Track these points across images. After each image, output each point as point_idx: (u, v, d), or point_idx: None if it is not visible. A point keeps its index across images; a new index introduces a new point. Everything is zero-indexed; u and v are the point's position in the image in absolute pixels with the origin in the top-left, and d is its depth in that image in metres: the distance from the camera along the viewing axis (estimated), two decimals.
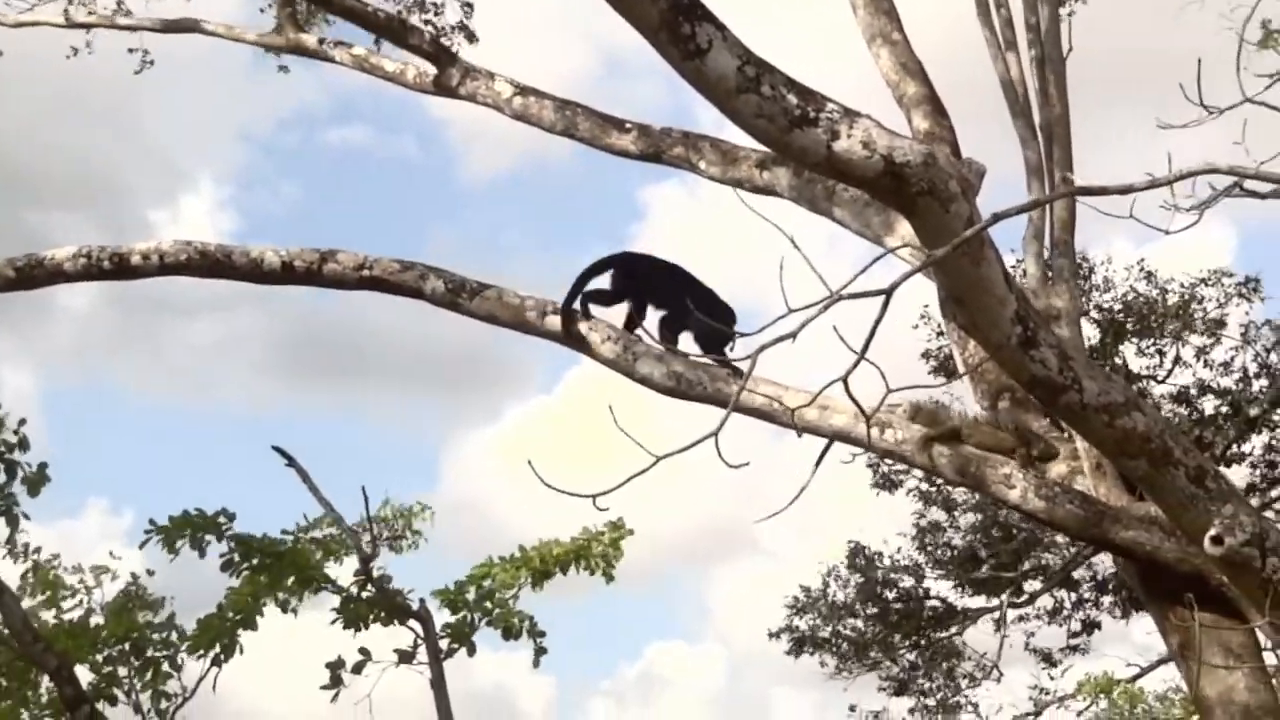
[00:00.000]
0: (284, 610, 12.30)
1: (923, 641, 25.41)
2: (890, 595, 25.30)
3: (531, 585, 12.17)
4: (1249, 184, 6.48)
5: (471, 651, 12.11)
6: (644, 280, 9.96)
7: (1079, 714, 24.87)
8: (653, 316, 9.92)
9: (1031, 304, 7.33)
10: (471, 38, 16.42)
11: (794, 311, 5.28)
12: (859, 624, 25.56)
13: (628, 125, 11.88)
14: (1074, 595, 25.17)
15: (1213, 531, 7.18)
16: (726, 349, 9.10)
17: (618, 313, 9.90)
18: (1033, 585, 24.64)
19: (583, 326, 9.96)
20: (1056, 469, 10.04)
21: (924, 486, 24.48)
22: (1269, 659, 10.28)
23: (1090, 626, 25.18)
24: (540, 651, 12.15)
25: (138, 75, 17.64)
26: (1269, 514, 21.77)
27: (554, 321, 10.03)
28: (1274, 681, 9.92)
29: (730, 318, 9.59)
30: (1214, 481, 7.37)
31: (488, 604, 12.08)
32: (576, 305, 9.88)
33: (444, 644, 12.08)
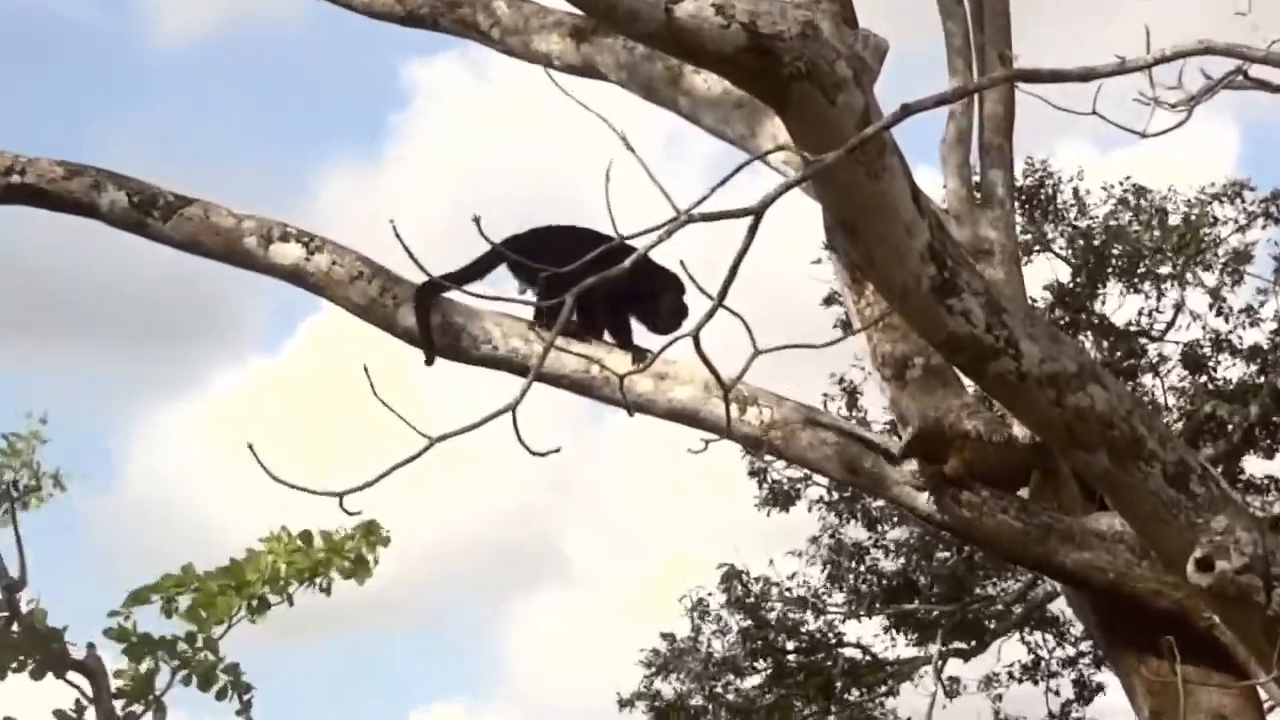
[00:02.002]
0: None
1: (833, 707, 25.36)
2: (790, 644, 25.28)
3: (249, 614, 12.02)
4: (1256, 70, 6.61)
5: (160, 715, 11.99)
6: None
7: None
8: None
9: (950, 234, 7.41)
10: None
11: (625, 239, 5.28)
12: (747, 684, 25.51)
13: None
14: (1055, 641, 25.09)
15: (1199, 553, 7.30)
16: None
17: None
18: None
19: (325, 258, 9.97)
20: None
21: (834, 495, 24.30)
22: None
23: (1087, 689, 25.10)
24: (244, 711, 12.04)
25: None
26: None
27: (282, 251, 10.01)
28: None
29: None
30: (1202, 483, 7.47)
31: (183, 646, 11.95)
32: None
33: (119, 706, 11.97)
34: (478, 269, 9.80)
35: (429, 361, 9.85)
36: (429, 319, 9.79)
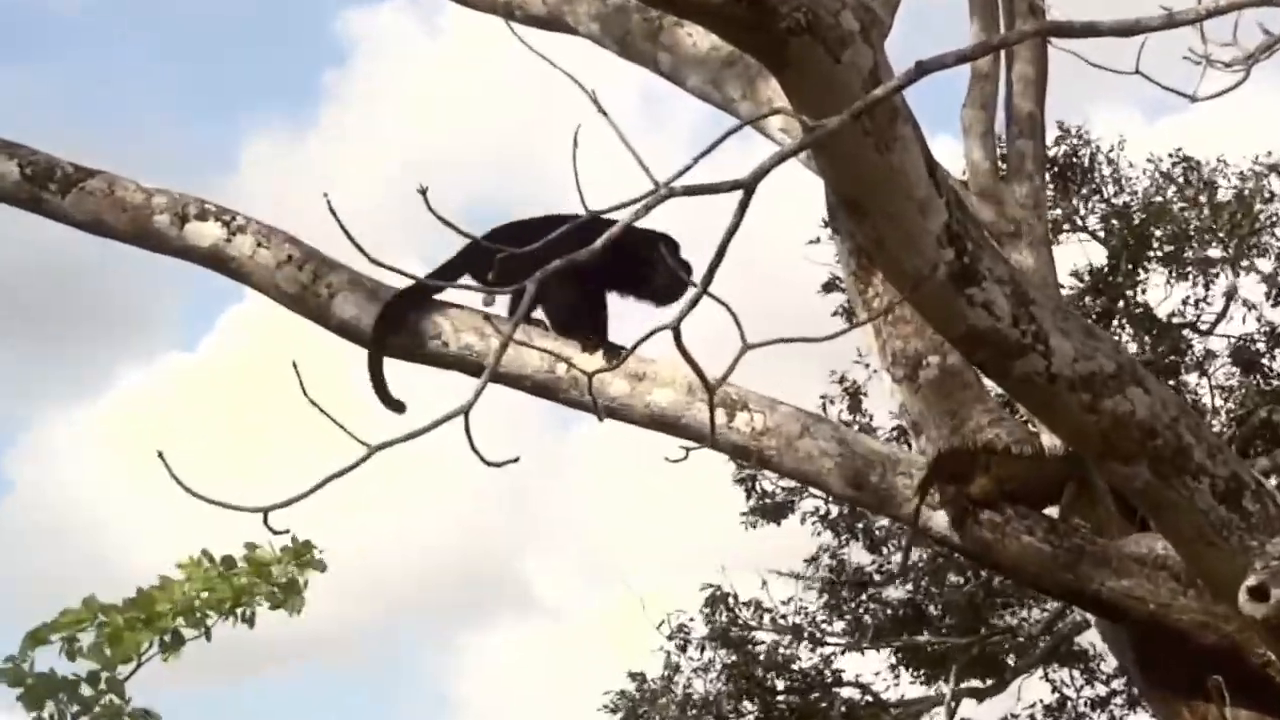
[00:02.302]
0: None
1: None
2: (781, 682, 25.26)
3: (162, 652, 12.04)
4: None
5: None
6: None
7: None
8: None
9: (972, 214, 7.43)
10: None
11: (596, 214, 5.28)
12: None
13: None
14: (1084, 679, 25.11)
15: (1253, 580, 7.29)
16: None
17: None
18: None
19: (248, 239, 9.98)
20: None
21: (831, 509, 24.22)
22: None
23: None
24: None
25: None
26: None
27: (199, 231, 10.02)
28: None
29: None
30: (1257, 501, 7.54)
31: (86, 688, 11.99)
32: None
33: None
34: (456, 268, 9.83)
35: (393, 408, 9.86)
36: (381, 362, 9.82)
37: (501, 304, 9.54)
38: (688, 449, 9.84)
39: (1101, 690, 25.01)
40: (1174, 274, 22.47)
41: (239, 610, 11.99)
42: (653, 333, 5.34)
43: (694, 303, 5.23)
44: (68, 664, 12.26)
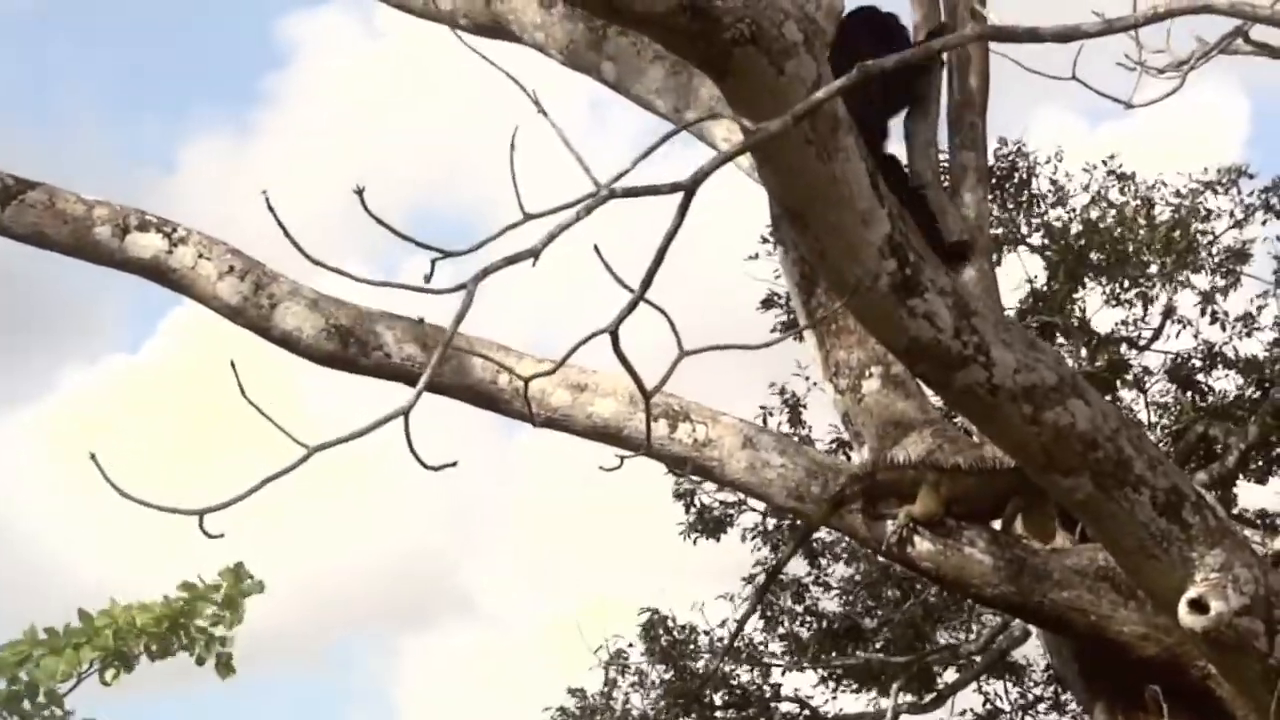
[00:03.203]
0: None
1: None
2: (719, 697, 25.25)
3: (102, 676, 12.02)
4: (1259, 32, 6.63)
5: None
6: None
7: None
8: None
9: (914, 226, 7.43)
10: None
11: (535, 217, 5.22)
12: None
13: None
14: (1017, 692, 25.20)
15: (1193, 593, 7.39)
16: None
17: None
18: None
19: (189, 250, 9.97)
20: None
21: (769, 523, 24.21)
22: None
23: None
24: None
25: None
26: None
27: (140, 243, 10.00)
28: None
29: None
30: (1196, 513, 7.53)
31: (28, 705, 11.97)
32: None
33: None
34: None
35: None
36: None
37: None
38: (623, 457, 9.81)
39: (1031, 694, 25.08)
40: (1112, 294, 22.54)
41: (180, 634, 12.00)
42: (590, 337, 5.30)
43: (631, 307, 5.20)
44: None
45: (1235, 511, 21.55)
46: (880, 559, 10.38)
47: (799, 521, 11.22)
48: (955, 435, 9.92)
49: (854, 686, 24.85)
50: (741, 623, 22.96)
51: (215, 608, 12.04)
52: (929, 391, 9.83)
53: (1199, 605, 7.34)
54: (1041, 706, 24.97)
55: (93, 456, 4.97)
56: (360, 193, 5.01)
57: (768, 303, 22.86)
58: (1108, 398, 19.26)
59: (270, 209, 5.06)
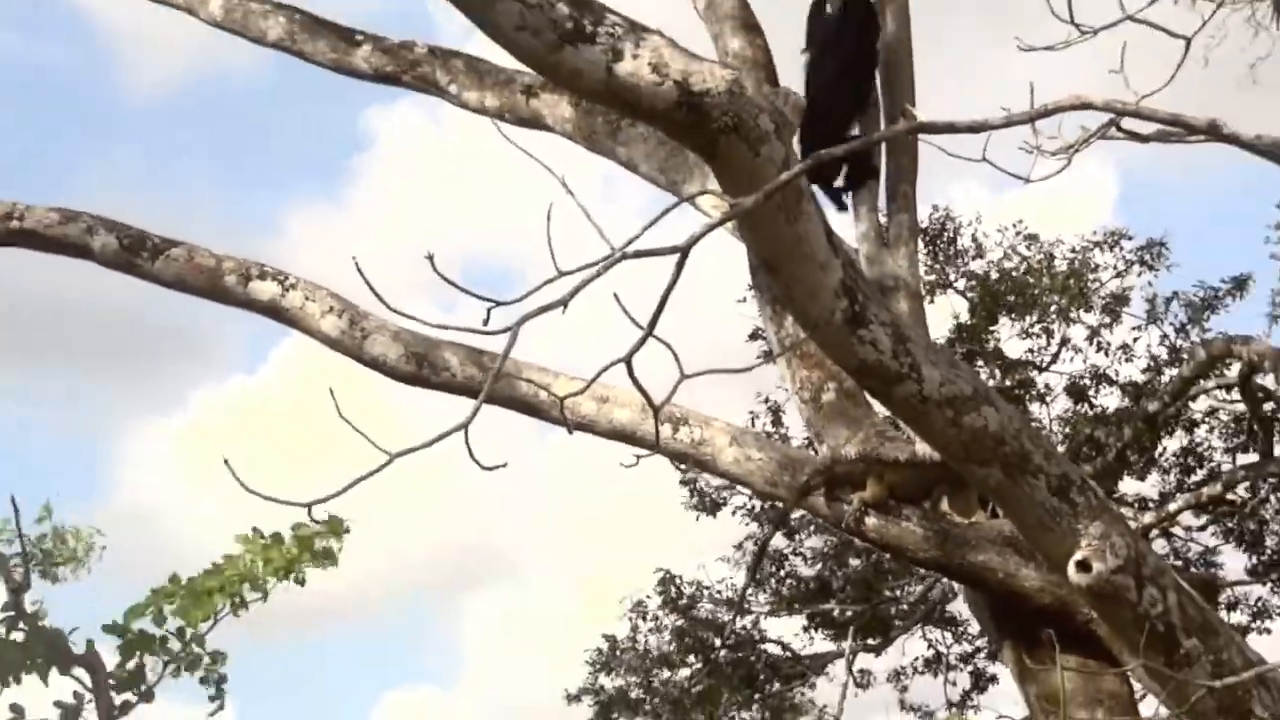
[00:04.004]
0: None
1: (757, 696, 25.27)
2: (718, 641, 25.15)
3: (232, 610, 11.96)
4: (1128, 123, 6.63)
5: (148, 698, 11.95)
6: None
7: None
8: None
9: (861, 272, 7.43)
10: None
11: (566, 274, 5.24)
12: (680, 677, 25.41)
13: (359, 37, 11.78)
14: (954, 638, 25.07)
15: (1079, 556, 7.32)
16: None
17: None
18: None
19: (298, 294, 9.98)
20: None
21: (755, 504, 24.18)
22: (1144, 711, 10.61)
23: (982, 680, 25.10)
24: (218, 696, 12.00)
25: None
26: (1176, 531, 22.30)
27: (259, 289, 10.01)
28: None
29: None
30: (1081, 494, 7.47)
31: (173, 642, 11.89)
32: None
33: (116, 698, 11.90)
34: None
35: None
36: None
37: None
38: (639, 455, 9.86)
39: (968, 647, 24.94)
40: (1021, 328, 22.54)
41: (291, 575, 11.95)
42: (610, 365, 5.34)
43: (642, 341, 5.24)
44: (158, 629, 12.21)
45: (1117, 496, 21.55)
46: (839, 529, 10.32)
47: (778, 504, 11.21)
48: (894, 436, 9.91)
49: (825, 632, 24.81)
50: (744, 591, 22.97)
51: (317, 553, 12.00)
52: (874, 401, 9.81)
53: (1084, 566, 7.29)
54: (980, 655, 24.85)
55: (225, 461, 5.01)
56: (430, 258, 5.06)
57: (754, 335, 22.81)
58: (1019, 409, 19.30)
59: (358, 269, 5.12)
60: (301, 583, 11.82)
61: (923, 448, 9.38)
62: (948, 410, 7.23)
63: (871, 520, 9.78)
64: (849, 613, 24.01)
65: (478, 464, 5.25)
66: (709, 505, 24.30)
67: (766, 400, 23.38)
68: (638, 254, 5.29)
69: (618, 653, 25.62)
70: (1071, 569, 7.33)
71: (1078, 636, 9.53)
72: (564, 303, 5.18)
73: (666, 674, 25.49)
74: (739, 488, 22.68)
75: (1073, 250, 22.43)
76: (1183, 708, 7.73)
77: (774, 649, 25.23)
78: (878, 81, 11.37)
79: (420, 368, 9.89)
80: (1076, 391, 22.41)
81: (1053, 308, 22.33)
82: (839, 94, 11.04)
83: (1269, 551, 22.20)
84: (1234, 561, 22.49)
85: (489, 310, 5.22)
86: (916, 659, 25.13)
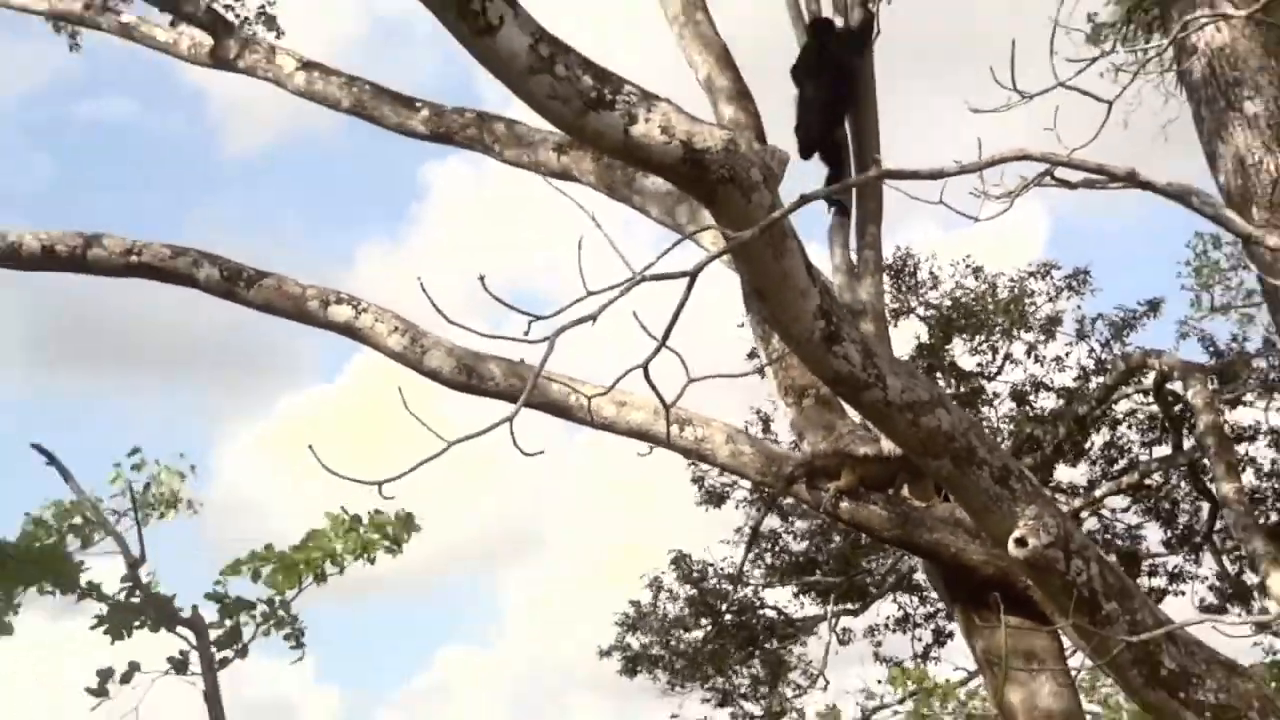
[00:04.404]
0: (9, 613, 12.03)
1: (757, 652, 25.36)
2: (723, 607, 25.21)
3: (315, 580, 12.05)
4: (1060, 172, 6.63)
5: (243, 654, 12.03)
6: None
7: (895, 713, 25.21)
8: None
9: (835, 298, 7.44)
10: (273, 25, 15.92)
11: (593, 294, 5.26)
12: (693, 637, 25.50)
13: (418, 104, 11.82)
14: (919, 602, 25.12)
15: (1017, 533, 7.31)
16: None
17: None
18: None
19: (368, 316, 10.03)
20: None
21: (753, 497, 24.23)
22: (1073, 664, 10.62)
23: (942, 636, 25.20)
24: (298, 647, 12.09)
25: None
26: (1105, 512, 22.30)
27: (337, 312, 10.06)
28: (1078, 686, 10.23)
29: None
30: (1019, 482, 7.48)
31: (264, 606, 11.98)
32: None
33: (216, 653, 11.97)
34: None
35: None
36: None
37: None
38: (652, 447, 9.88)
39: (930, 609, 24.94)
40: (971, 346, 22.57)
41: (365, 555, 11.99)
42: (629, 371, 5.39)
43: (656, 351, 5.28)
44: (251, 590, 12.21)
45: (1053, 483, 21.56)
46: (818, 513, 10.35)
47: (768, 492, 11.24)
48: (863, 434, 9.93)
49: (815, 600, 24.86)
50: (742, 564, 22.95)
51: (388, 540, 12.08)
52: (846, 406, 9.84)
53: (1021, 542, 7.27)
54: (940, 615, 24.87)
55: (310, 447, 5.07)
56: (482, 278, 5.11)
57: (751, 354, 22.84)
58: (969, 412, 19.32)
59: (423, 288, 5.19)
60: (372, 561, 11.91)
61: (887, 444, 9.41)
62: (908, 413, 7.24)
63: (845, 505, 9.81)
64: (832, 582, 24.03)
65: (520, 451, 5.32)
66: (715, 498, 24.38)
67: (758, 411, 23.42)
68: (654, 277, 5.32)
69: (642, 616, 25.69)
70: (1011, 544, 7.32)
71: (1017, 601, 9.55)
72: (593, 317, 5.21)
73: (682, 635, 25.55)
74: (740, 482, 22.81)
75: (1012, 280, 22.45)
76: (1103, 659, 7.75)
77: (770, 614, 25.28)
78: (848, 125, 11.47)
79: (469, 377, 9.92)
80: (1018, 397, 22.43)
81: (997, 328, 22.37)
82: (823, 108, 11.22)
83: (1181, 527, 22.16)
84: (1153, 535, 22.47)
85: (530, 323, 5.26)
86: (888, 619, 25.10)
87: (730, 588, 24.84)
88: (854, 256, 11.33)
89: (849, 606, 24.53)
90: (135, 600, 12.11)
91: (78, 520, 12.49)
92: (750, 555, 24.33)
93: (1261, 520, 19.06)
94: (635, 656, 25.75)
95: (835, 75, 11.25)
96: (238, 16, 15.35)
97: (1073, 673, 10.45)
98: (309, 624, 12.09)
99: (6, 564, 11.92)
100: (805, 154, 11.17)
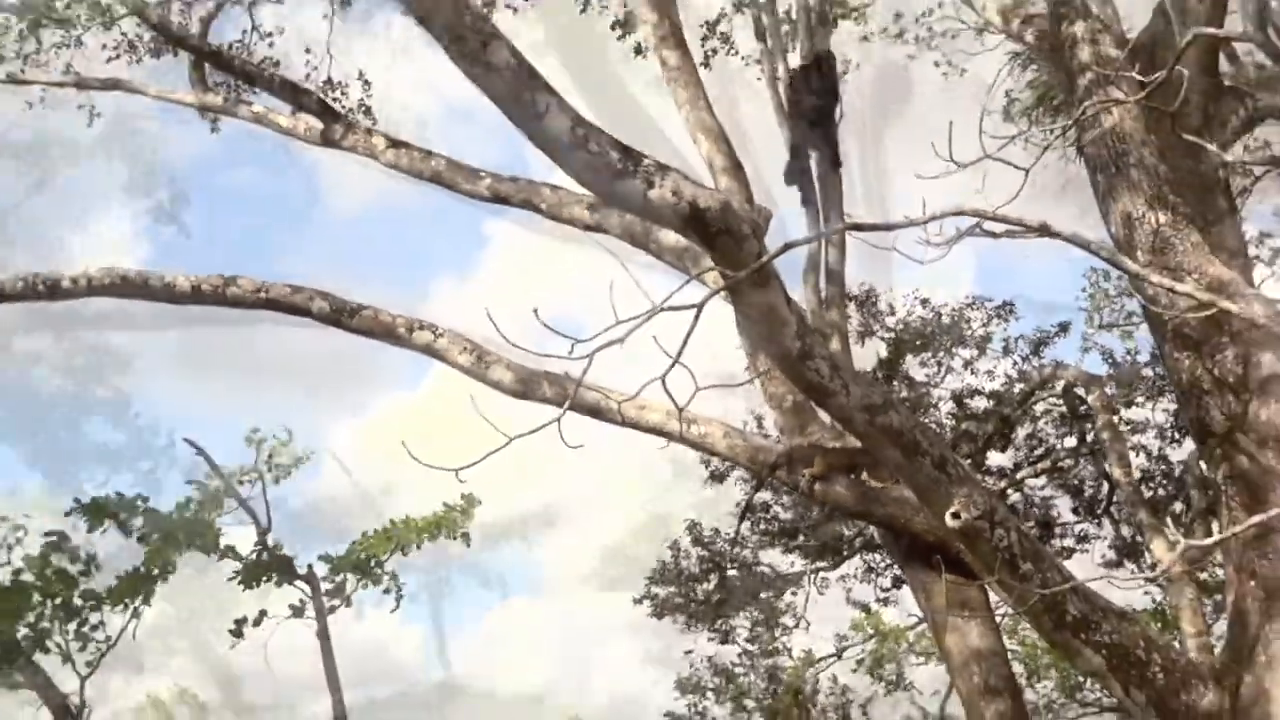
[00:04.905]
0: (167, 573, 12.17)
1: (754, 601, 25.48)
2: (728, 565, 25.30)
3: (401, 553, 12.22)
4: (987, 225, 6.68)
5: (348, 604, 12.17)
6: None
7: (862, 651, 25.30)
8: None
9: (808, 323, 7.48)
10: (369, 113, 16.18)
11: (621, 322, 5.36)
12: (704, 589, 25.64)
13: (482, 174, 11.90)
14: (880, 559, 25.22)
15: (952, 508, 7.34)
16: None
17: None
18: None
19: (444, 340, 10.10)
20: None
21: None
22: (997, 613, 10.65)
23: (899, 582, 25.28)
24: (399, 597, 12.22)
25: (89, 128, 17.28)
26: (1026, 489, 22.28)
27: (420, 336, 10.12)
28: (1001, 630, 10.26)
29: None
30: (954, 468, 7.49)
31: (363, 568, 12.11)
32: None
33: (327, 602, 12.10)
34: None
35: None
36: None
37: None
38: (668, 441, 9.93)
39: (888, 563, 24.98)
40: (920, 360, 22.62)
41: (437, 535, 12.05)
42: (650, 381, 5.48)
43: (670, 367, 5.35)
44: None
45: (985, 467, 21.56)
46: (797, 492, 10.40)
47: (758, 474, 11.28)
48: (831, 431, 9.98)
49: (801, 559, 24.93)
50: (737, 530, 23.01)
51: (459, 514, 12.16)
52: (818, 409, 9.88)
53: (956, 515, 7.25)
54: (894, 569, 24.86)
55: (403, 443, 5.16)
56: (535, 310, 5.20)
57: (748, 367, 22.97)
58: (917, 413, 19.35)
59: (490, 318, 5.27)
60: (452, 536, 12.00)
61: (850, 439, 9.46)
62: (866, 414, 7.25)
63: (818, 486, 9.86)
64: (812, 544, 24.07)
65: (565, 443, 5.41)
66: (718, 477, 24.48)
67: (754, 413, 23.54)
68: (670, 308, 5.41)
69: (665, 572, 25.75)
70: (948, 517, 7.34)
71: (953, 562, 9.56)
72: (621, 340, 5.33)
73: (695, 587, 25.64)
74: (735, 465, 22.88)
75: (952, 310, 22.55)
76: (1022, 608, 7.77)
77: (765, 570, 25.39)
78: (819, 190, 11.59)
79: (525, 388, 9.96)
80: (957, 400, 22.49)
81: (941, 347, 22.45)
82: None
83: (1086, 500, 22.12)
84: (1064, 506, 22.43)
85: (572, 345, 5.35)
86: (856, 570, 25.25)
87: (731, 549, 24.87)
88: (823, 290, 11.40)
89: (825, 564, 24.62)
90: (264, 559, 12.23)
91: (217, 497, 12.64)
92: (746, 524, 24.37)
93: (1149, 495, 19.02)
94: (661, 603, 25.84)
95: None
96: (343, 107, 15.59)
97: (997, 619, 10.48)
98: (405, 581, 12.26)
99: (167, 532, 12.07)
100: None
